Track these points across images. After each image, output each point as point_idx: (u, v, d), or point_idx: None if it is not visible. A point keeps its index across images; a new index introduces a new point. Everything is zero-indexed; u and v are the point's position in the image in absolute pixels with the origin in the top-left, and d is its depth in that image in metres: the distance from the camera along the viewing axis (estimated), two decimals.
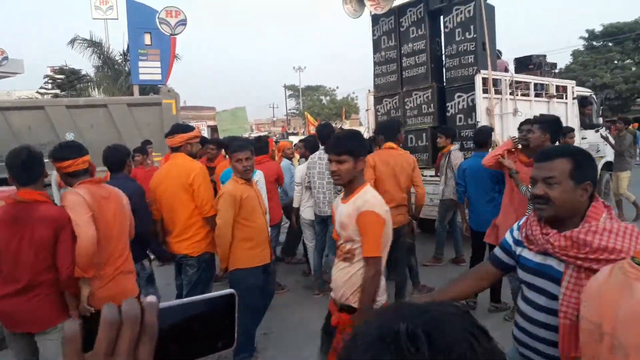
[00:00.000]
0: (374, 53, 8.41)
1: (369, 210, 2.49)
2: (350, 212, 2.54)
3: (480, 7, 6.74)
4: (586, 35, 34.05)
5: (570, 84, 9.01)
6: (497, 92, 7.03)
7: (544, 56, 9.95)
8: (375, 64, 8.43)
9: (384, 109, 8.26)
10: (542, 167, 1.78)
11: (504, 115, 7.08)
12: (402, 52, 7.90)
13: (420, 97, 7.62)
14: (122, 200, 3.17)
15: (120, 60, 22.48)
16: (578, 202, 1.72)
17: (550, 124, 4.01)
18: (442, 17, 7.42)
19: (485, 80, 6.75)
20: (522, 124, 4.46)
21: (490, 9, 7.10)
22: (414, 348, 0.51)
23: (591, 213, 1.70)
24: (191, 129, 4.05)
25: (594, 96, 10.23)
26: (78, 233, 2.75)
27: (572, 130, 7.36)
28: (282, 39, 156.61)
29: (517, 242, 1.94)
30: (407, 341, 0.51)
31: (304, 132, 34.60)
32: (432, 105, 7.45)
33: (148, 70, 15.63)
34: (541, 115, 5.35)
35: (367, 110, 8.78)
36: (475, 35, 6.80)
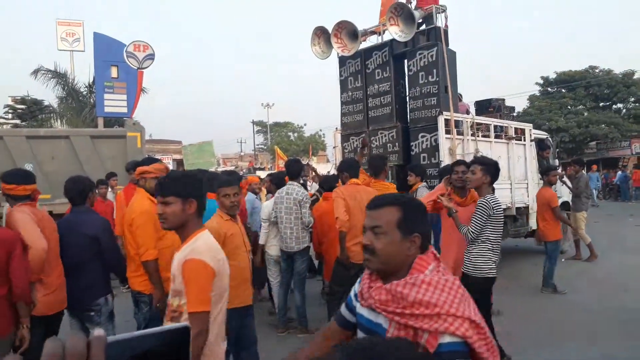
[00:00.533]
0: (341, 93, 8.64)
1: (194, 258, 2.19)
2: (179, 261, 2.25)
3: (442, 52, 7.07)
4: (541, 81, 35.96)
5: (527, 126, 9.45)
6: (459, 132, 7.31)
7: (503, 100, 10.44)
8: (342, 103, 8.65)
9: (351, 146, 8.42)
10: (371, 215, 1.62)
11: (466, 155, 7.32)
12: (368, 92, 8.15)
13: (385, 136, 7.83)
14: (52, 222, 3.61)
15: (85, 92, 22.24)
16: (404, 254, 1.55)
17: (491, 167, 4.03)
18: (406, 60, 7.73)
19: (447, 121, 7.02)
20: (454, 164, 4.52)
21: (452, 54, 7.45)
22: None
23: (416, 265, 1.53)
24: (153, 161, 3.94)
25: (549, 139, 10.74)
26: (32, 245, 3.13)
27: (555, 168, 7.65)
28: (251, 75, 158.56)
29: (356, 296, 1.71)
30: None
31: (271, 167, 34.64)
32: (397, 144, 7.66)
33: (113, 102, 15.51)
34: (482, 156, 5.27)
35: (334, 147, 8.93)
36: (437, 79, 7.10)
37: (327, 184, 6.11)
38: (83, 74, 38.27)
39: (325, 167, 19.37)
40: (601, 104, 33.63)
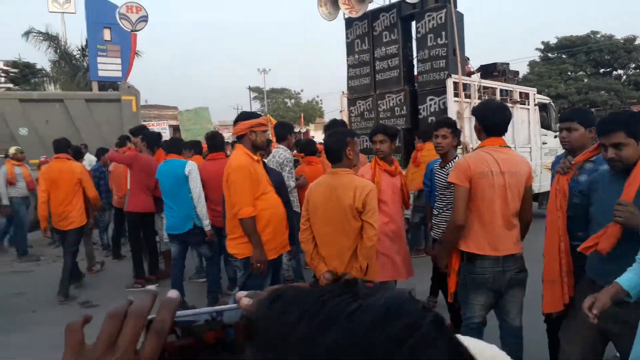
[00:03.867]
0: (347, 55, 8.69)
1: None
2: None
3: (451, 14, 7.13)
4: (542, 47, 35.77)
5: (532, 91, 9.58)
6: (467, 96, 7.44)
7: (507, 64, 10.51)
8: (348, 66, 8.71)
9: (357, 110, 8.54)
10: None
11: (470, 118, 7.49)
12: (375, 55, 8.21)
13: (393, 99, 7.94)
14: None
15: (78, 56, 21.94)
16: None
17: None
18: (414, 22, 7.78)
19: (456, 85, 7.14)
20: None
21: (460, 17, 7.51)
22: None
23: None
24: (256, 115, 3.83)
25: (552, 104, 10.88)
26: None
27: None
28: (247, 40, 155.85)
29: None
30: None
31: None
32: (404, 107, 7.79)
33: (107, 66, 15.37)
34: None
35: (340, 111, 9.05)
36: (446, 41, 7.18)
37: (308, 147, 5.97)
38: (76, 36, 37.64)
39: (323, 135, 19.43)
40: (601, 70, 33.66)
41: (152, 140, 6.08)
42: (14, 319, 4.96)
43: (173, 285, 4.97)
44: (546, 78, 32.06)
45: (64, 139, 5.80)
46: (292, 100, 47.48)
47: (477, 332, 2.96)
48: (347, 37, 8.69)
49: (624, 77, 33.33)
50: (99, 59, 15.16)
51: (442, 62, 7.24)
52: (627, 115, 2.52)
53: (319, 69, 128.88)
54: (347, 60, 8.73)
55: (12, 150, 7.91)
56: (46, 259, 7.75)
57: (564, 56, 34.12)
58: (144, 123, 11.12)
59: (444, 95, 7.14)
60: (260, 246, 3.44)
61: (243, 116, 3.70)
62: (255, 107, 49.78)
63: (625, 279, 1.98)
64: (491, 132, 2.93)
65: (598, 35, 33.43)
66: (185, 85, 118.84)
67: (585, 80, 32.53)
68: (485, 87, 8.14)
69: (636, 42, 32.10)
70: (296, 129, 28.06)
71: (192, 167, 4.90)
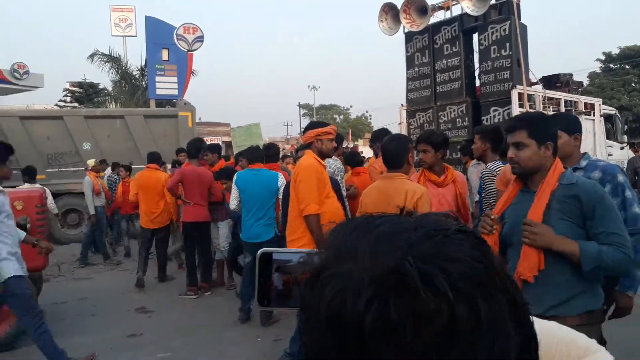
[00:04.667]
0: (407, 69, 8.89)
1: None
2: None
3: (515, 25, 7.22)
4: (603, 57, 34.63)
5: (597, 101, 9.47)
6: (531, 107, 7.46)
7: (571, 75, 10.42)
8: (408, 79, 8.90)
9: (417, 122, 8.69)
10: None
11: None
12: (436, 68, 8.37)
13: (454, 111, 8.06)
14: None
15: (137, 75, 23.17)
16: None
17: (491, 134, 4.12)
18: (476, 35, 7.90)
19: (520, 95, 7.19)
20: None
21: (523, 28, 7.58)
22: (432, 292, 0.41)
23: None
24: (323, 124, 3.98)
25: (618, 115, 10.66)
26: None
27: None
28: (297, 58, 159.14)
29: None
30: (420, 282, 0.42)
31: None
32: (466, 118, 7.89)
33: (165, 85, 16.22)
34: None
35: (399, 123, 9.23)
36: (510, 53, 7.27)
37: (353, 159, 5.99)
38: (135, 57, 39.79)
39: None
40: None
41: (192, 151, 6.43)
42: (76, 323, 5.37)
43: (242, 296, 5.19)
44: (608, 90, 30.97)
45: (156, 153, 6.46)
46: (341, 116, 48.11)
47: None
48: (406, 51, 8.89)
49: None
50: (157, 78, 16.04)
51: (507, 74, 7.32)
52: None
53: (368, 85, 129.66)
54: (407, 74, 8.92)
55: (91, 162, 8.56)
56: (105, 266, 8.40)
57: (627, 67, 32.90)
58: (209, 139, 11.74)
59: (508, 105, 7.19)
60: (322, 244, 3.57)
61: (311, 125, 3.96)
62: (305, 123, 50.65)
63: (585, 249, 1.90)
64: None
65: None
66: (237, 103, 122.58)
67: None
68: (550, 98, 8.13)
69: None
70: (344, 145, 28.47)
71: (283, 179, 5.14)
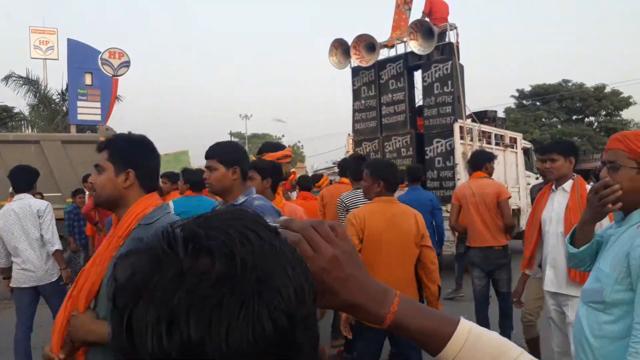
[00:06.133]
0: (354, 101, 9.62)
1: None
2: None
3: (456, 65, 8.16)
4: (516, 94, 38.08)
5: (519, 136, 10.75)
6: (470, 139, 8.39)
7: (495, 112, 11.72)
8: (354, 110, 9.62)
9: (364, 151, 9.37)
10: None
11: None
12: (382, 101, 9.16)
13: (399, 141, 8.84)
14: None
15: (57, 100, 22.34)
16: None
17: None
18: (420, 72, 8.80)
19: (461, 129, 8.09)
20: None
21: (462, 68, 8.55)
22: (169, 248, 0.49)
23: None
24: (281, 147, 3.93)
25: (532, 148, 12.09)
26: None
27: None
28: (229, 86, 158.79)
29: None
30: (163, 241, 0.50)
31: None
32: (410, 148, 8.68)
33: (87, 110, 15.88)
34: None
35: (347, 152, 9.88)
36: (452, 90, 8.19)
37: (302, 183, 6.25)
38: (57, 81, 38.07)
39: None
40: (574, 117, 35.94)
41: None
42: None
43: None
44: (522, 124, 34.00)
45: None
46: None
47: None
48: (353, 84, 9.63)
49: (595, 123, 35.65)
50: (79, 103, 15.65)
51: (449, 108, 8.21)
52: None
53: (300, 115, 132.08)
54: (354, 105, 9.65)
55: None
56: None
57: (538, 103, 36.39)
58: None
59: (450, 137, 8.05)
60: None
61: (268, 148, 3.81)
62: None
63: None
64: None
65: (569, 84, 35.94)
66: (166, 129, 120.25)
67: (559, 126, 34.68)
68: (483, 132, 9.14)
69: (606, 90, 34.60)
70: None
71: None
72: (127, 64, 16.11)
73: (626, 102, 34.61)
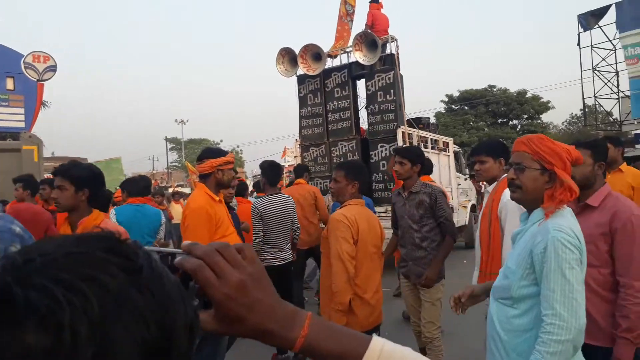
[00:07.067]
0: (300, 108, 10.12)
1: None
2: None
3: (397, 75, 8.87)
4: (446, 99, 40.17)
5: (450, 140, 11.73)
6: (410, 144, 9.12)
7: (429, 118, 12.68)
8: (301, 117, 10.12)
9: (311, 156, 9.90)
10: None
11: None
12: (328, 108, 9.72)
13: (345, 146, 9.44)
14: None
15: None
16: None
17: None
18: (364, 81, 9.44)
19: (403, 134, 8.80)
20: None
21: (401, 78, 9.28)
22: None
23: None
24: (223, 153, 3.70)
25: (460, 151, 13.17)
26: None
27: None
28: (164, 91, 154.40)
29: None
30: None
31: (185, 184, 34.56)
32: (356, 153, 9.29)
33: (9, 116, 15.30)
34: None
35: (295, 157, 10.36)
36: (394, 98, 8.88)
37: (240, 187, 6.30)
38: None
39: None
40: (499, 121, 38.43)
41: (34, 187, 5.85)
42: None
43: None
44: (451, 128, 35.94)
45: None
46: None
47: None
48: (299, 92, 10.13)
49: (519, 126, 38.28)
50: (0, 109, 15.18)
51: (392, 115, 8.90)
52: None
53: (239, 120, 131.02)
54: (300, 112, 10.13)
55: None
56: None
57: (466, 108, 38.59)
58: (47, 175, 11.15)
59: (394, 142, 8.72)
60: None
61: (209, 154, 3.62)
62: (173, 157, 49.96)
63: None
64: None
65: (495, 89, 38.42)
66: (98, 136, 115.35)
67: (486, 129, 36.94)
68: (421, 137, 9.95)
69: (527, 95, 37.29)
70: None
71: (164, 217, 5.37)
72: (53, 68, 15.58)
73: (545, 107, 37.53)
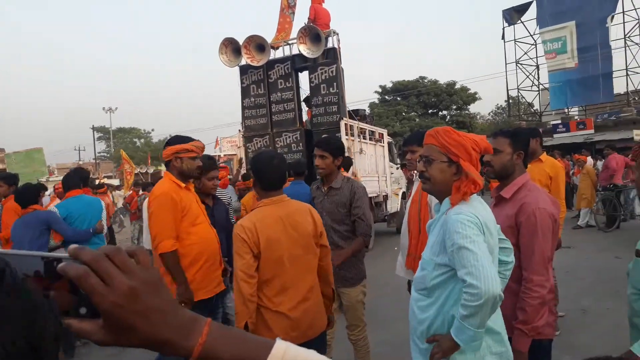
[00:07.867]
0: (243, 98, 10.30)
1: None
2: None
3: (339, 69, 9.29)
4: (379, 90, 41.32)
5: (384, 131, 12.42)
6: (351, 134, 9.61)
7: (365, 110, 13.31)
8: (244, 107, 10.31)
9: (255, 146, 10.15)
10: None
11: (354, 152, 9.71)
12: (271, 99, 9.99)
13: (290, 137, 9.77)
14: None
15: None
16: None
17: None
18: (307, 73, 9.78)
19: (345, 125, 9.25)
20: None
21: (342, 71, 9.71)
22: None
23: None
24: (186, 139, 3.54)
25: (393, 142, 13.91)
26: None
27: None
28: (90, 78, 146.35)
29: None
30: None
31: (114, 175, 33.52)
32: (300, 144, 9.65)
33: None
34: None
35: (238, 147, 10.55)
36: (337, 90, 9.30)
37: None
38: None
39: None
40: (430, 111, 40.07)
41: None
42: None
43: None
44: (384, 118, 37.11)
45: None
46: (142, 140, 46.84)
47: None
48: (242, 82, 10.30)
49: (448, 117, 40.08)
50: None
51: (335, 107, 9.32)
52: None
53: (172, 108, 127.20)
54: (243, 102, 10.32)
55: None
56: None
57: (398, 98, 39.90)
58: None
59: (338, 133, 9.15)
60: (184, 282, 3.25)
61: (171, 141, 3.55)
62: (101, 147, 48.07)
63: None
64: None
65: (426, 80, 39.97)
66: (16, 125, 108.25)
67: (417, 119, 38.44)
68: (361, 128, 10.46)
69: (456, 87, 39.09)
70: (143, 170, 28.28)
71: (103, 204, 5.59)
72: None
73: (473, 98, 39.52)
